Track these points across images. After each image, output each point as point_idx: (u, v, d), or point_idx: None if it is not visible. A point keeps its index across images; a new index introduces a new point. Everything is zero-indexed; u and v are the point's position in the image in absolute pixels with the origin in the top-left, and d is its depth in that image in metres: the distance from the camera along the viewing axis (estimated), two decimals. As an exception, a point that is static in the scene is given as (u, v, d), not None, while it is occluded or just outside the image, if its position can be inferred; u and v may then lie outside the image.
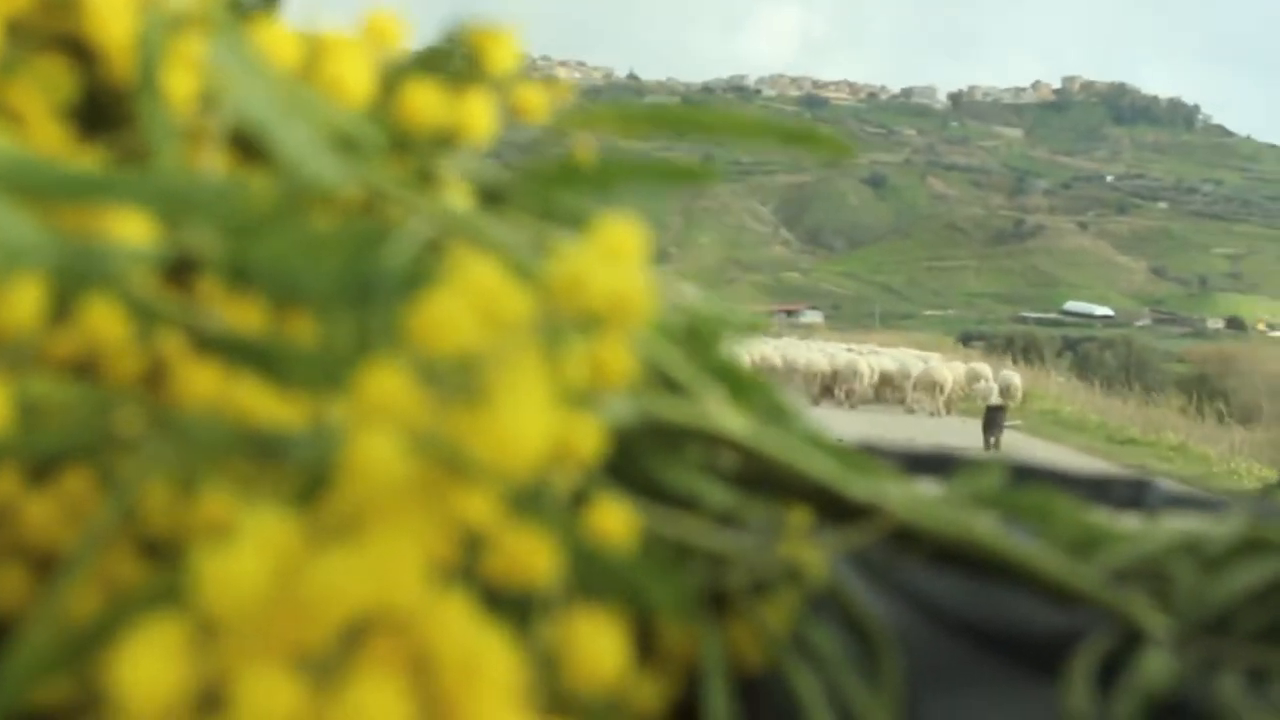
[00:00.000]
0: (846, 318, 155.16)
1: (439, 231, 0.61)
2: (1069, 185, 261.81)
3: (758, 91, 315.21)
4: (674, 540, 0.62)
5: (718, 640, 0.62)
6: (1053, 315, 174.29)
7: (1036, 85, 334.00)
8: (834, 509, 0.65)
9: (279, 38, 0.66)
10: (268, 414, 0.55)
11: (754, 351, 33.87)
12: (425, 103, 0.67)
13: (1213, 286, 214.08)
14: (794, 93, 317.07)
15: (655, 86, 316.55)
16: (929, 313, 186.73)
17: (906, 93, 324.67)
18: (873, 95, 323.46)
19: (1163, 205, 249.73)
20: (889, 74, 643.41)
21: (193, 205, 0.57)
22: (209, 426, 0.54)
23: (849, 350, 39.19)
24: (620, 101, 0.76)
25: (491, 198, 0.69)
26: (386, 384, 0.49)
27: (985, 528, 0.67)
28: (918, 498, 0.66)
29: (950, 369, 32.18)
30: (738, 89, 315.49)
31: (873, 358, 33.77)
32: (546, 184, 0.70)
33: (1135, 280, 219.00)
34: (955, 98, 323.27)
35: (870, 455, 0.76)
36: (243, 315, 0.57)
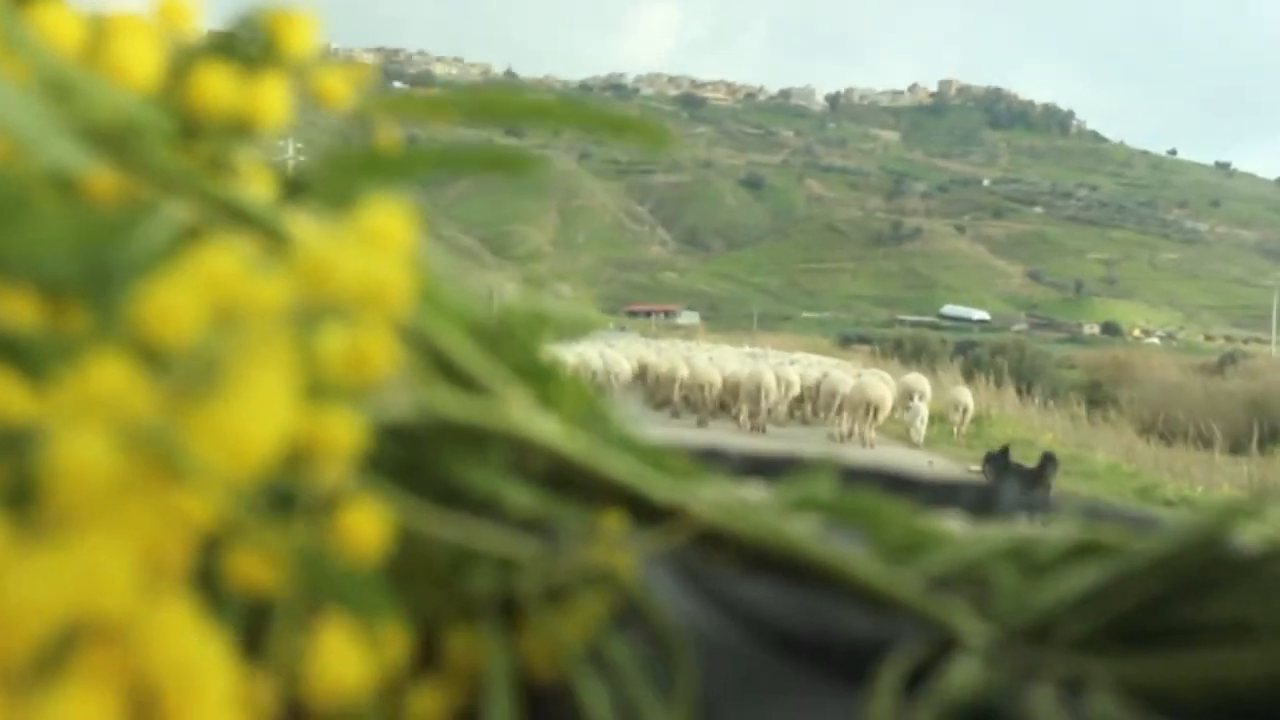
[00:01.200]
0: (724, 319, 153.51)
1: (201, 218, 0.58)
2: (946, 189, 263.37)
3: (636, 90, 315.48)
4: (458, 545, 0.60)
5: (504, 650, 0.61)
6: (930, 318, 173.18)
7: (913, 88, 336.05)
8: (646, 512, 0.64)
9: (60, 18, 0.62)
10: (12, 409, 0.49)
11: (632, 357, 28.59)
12: (217, 88, 0.64)
13: (1088, 291, 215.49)
14: (672, 92, 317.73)
15: (532, 83, 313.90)
16: (806, 315, 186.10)
17: (784, 94, 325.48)
18: (750, 96, 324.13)
19: (1038, 210, 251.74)
20: (767, 75, 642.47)
21: None
22: None
23: (751, 356, 32.42)
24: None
25: (293, 187, 0.67)
26: (104, 376, 0.46)
27: (798, 532, 0.65)
28: (728, 501, 0.65)
29: (886, 384, 24.80)
30: (616, 87, 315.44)
31: (785, 368, 26.82)
32: (349, 173, 0.67)
33: (1012, 284, 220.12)
34: (833, 99, 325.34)
35: (706, 456, 0.82)
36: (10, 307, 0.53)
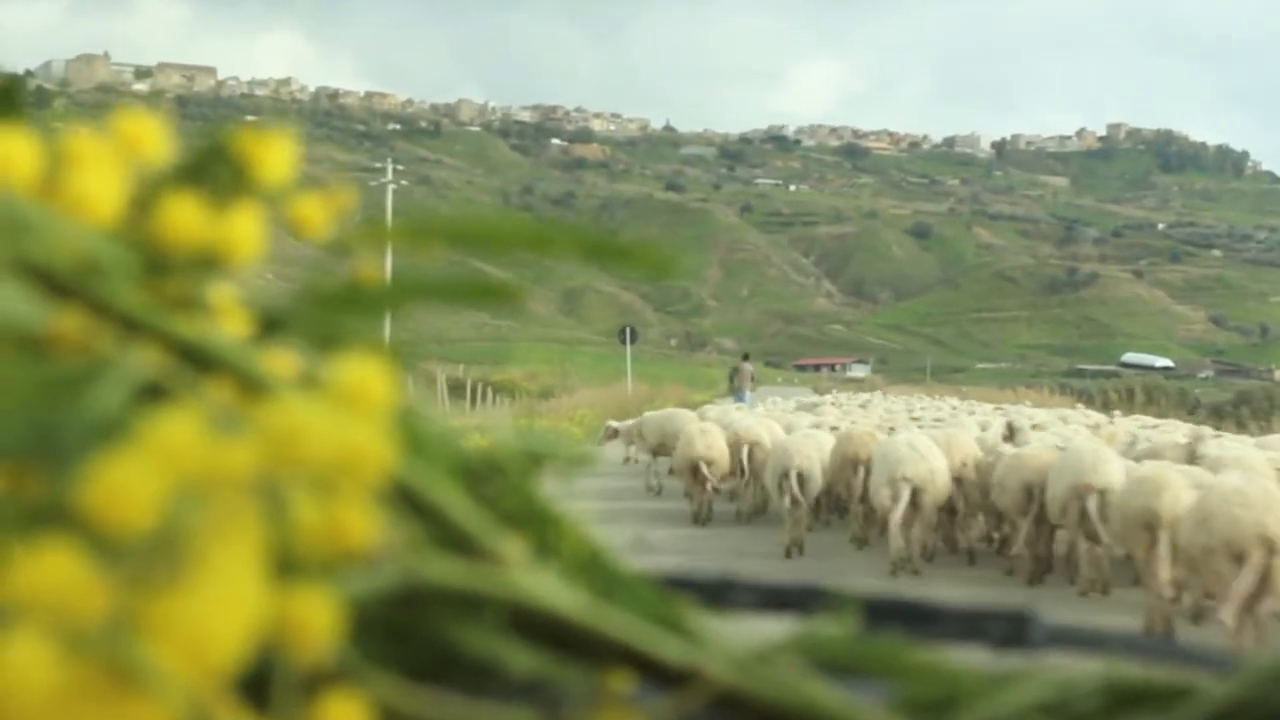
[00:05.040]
0: (895, 371, 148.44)
1: (164, 371, 0.54)
2: (1119, 234, 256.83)
3: (797, 142, 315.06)
4: None
5: None
6: (1110, 367, 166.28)
7: (1081, 133, 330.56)
8: (657, 669, 0.60)
9: (12, 146, 0.57)
10: None
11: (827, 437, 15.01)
12: (185, 220, 0.59)
13: (1275, 335, 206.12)
14: (834, 143, 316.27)
15: (692, 138, 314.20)
16: (981, 366, 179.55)
17: (949, 142, 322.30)
18: (914, 145, 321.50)
19: (1217, 253, 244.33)
20: (930, 123, 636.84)
21: None
22: None
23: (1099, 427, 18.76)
24: (412, 216, 0.65)
25: (270, 324, 0.62)
26: (51, 570, 0.43)
27: (819, 693, 0.61)
28: (743, 659, 0.62)
29: None
30: (776, 139, 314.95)
31: None
32: (330, 308, 0.63)
33: (1194, 330, 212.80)
34: (999, 146, 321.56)
35: (719, 589, 0.76)
36: None
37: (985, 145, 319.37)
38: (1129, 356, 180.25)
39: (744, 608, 0.78)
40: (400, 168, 72.04)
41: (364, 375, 0.53)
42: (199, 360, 0.55)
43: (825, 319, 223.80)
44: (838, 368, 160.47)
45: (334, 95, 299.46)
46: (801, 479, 13.85)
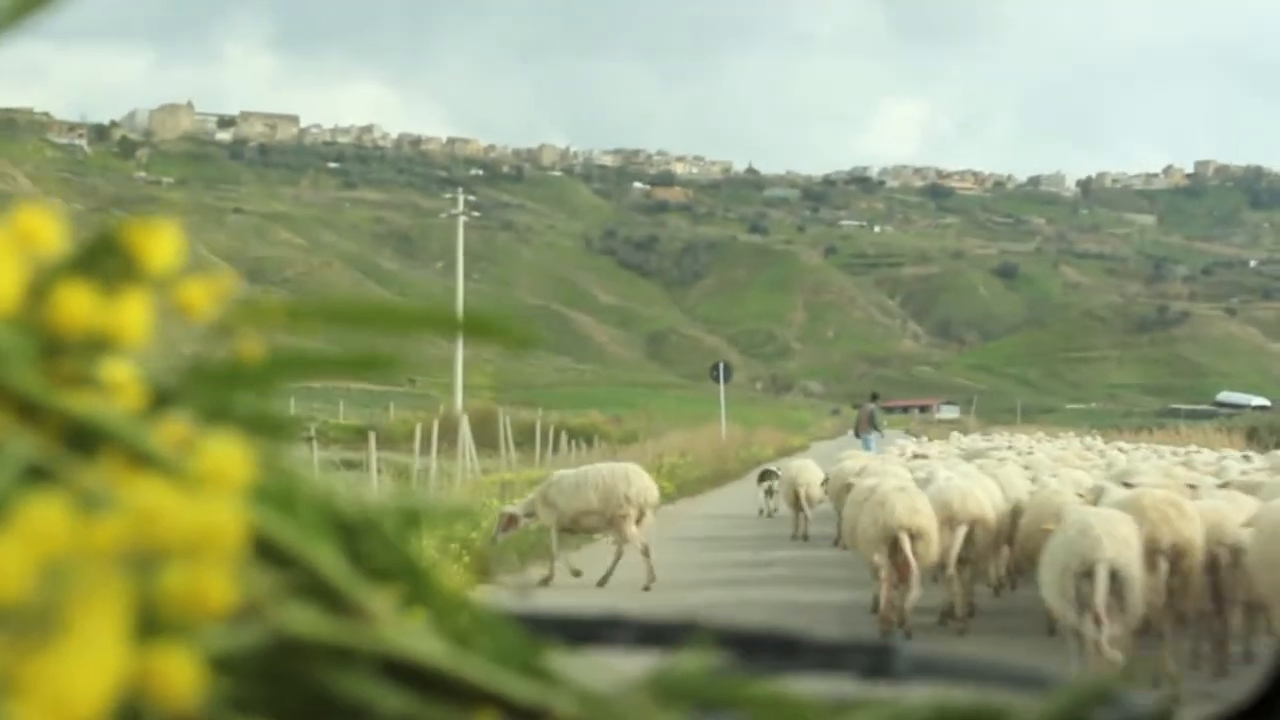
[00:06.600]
0: (984, 412, 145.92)
1: (47, 455, 0.59)
2: (1209, 271, 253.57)
3: (881, 183, 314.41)
4: None
5: None
6: (1204, 406, 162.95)
7: (1168, 171, 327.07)
8: (511, 709, 0.64)
9: None
10: None
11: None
12: (77, 306, 0.63)
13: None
14: (918, 183, 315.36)
15: (775, 180, 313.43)
16: (1071, 406, 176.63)
17: (1034, 181, 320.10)
18: (999, 184, 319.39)
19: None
20: (1015, 163, 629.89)
21: None
22: None
23: None
24: (298, 298, 0.72)
25: (162, 399, 0.67)
26: None
27: None
28: (591, 697, 0.65)
29: None
30: (860, 180, 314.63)
31: None
32: (215, 383, 0.68)
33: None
34: (1084, 185, 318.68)
35: (602, 626, 0.83)
36: None
37: (1070, 184, 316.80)
38: (1224, 395, 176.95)
39: (626, 644, 0.84)
40: (472, 197, 71.20)
41: (222, 454, 0.58)
42: (90, 434, 0.60)
43: (912, 360, 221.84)
44: (931, 408, 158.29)
45: (416, 141, 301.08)
46: (1117, 580, 8.47)
